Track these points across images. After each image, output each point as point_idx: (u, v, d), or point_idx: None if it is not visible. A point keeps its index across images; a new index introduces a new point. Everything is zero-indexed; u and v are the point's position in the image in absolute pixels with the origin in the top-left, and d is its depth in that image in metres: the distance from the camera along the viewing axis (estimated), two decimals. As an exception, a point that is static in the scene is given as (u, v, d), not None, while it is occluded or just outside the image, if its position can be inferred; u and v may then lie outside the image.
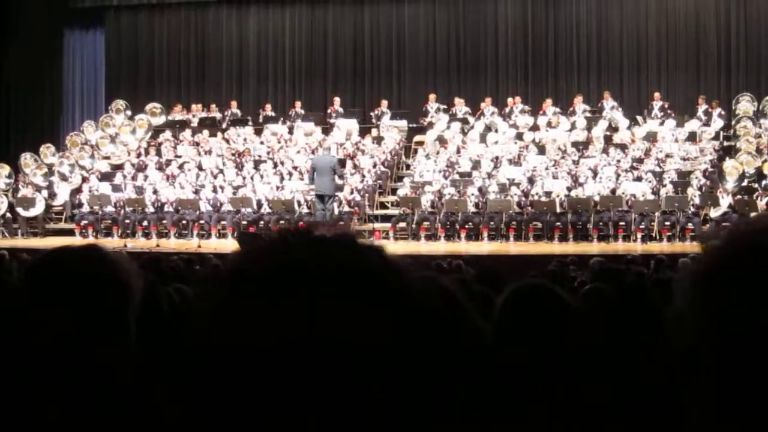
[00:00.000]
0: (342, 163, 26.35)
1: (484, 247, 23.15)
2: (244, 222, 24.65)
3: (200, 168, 27.34)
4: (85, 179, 27.82)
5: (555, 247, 22.48)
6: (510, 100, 29.76)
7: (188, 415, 1.22)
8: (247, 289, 1.21)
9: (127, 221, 25.58)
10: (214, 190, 25.94)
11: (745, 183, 24.37)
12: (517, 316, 3.58)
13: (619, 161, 25.44)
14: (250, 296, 1.20)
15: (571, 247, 22.24)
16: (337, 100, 30.89)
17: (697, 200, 23.46)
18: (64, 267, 2.43)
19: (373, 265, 1.27)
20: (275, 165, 26.99)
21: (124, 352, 2.37)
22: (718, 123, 27.60)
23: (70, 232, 25.83)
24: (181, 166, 27.47)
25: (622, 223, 23.41)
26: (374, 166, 26.91)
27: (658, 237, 23.16)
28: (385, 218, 25.66)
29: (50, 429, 2.20)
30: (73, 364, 2.27)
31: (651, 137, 26.61)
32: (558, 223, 23.53)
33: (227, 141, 29.05)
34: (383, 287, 1.25)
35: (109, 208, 25.87)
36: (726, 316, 1.18)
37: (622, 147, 26.27)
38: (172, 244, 24.07)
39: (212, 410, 1.19)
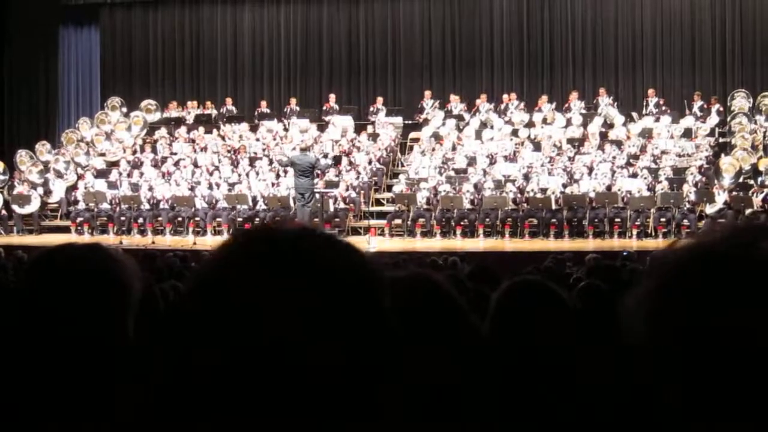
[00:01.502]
0: (337, 159, 26.35)
1: (480, 243, 23.15)
2: (240, 219, 24.64)
3: (196, 165, 27.33)
4: (80, 176, 27.82)
5: (550, 244, 22.48)
6: (505, 96, 29.80)
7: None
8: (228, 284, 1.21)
9: (123, 218, 25.57)
10: (210, 187, 25.94)
11: (740, 179, 24.39)
12: (513, 313, 3.58)
13: (614, 158, 25.44)
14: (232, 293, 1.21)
15: (566, 244, 22.27)
16: (332, 96, 30.88)
17: (692, 196, 23.47)
18: (66, 264, 2.43)
19: (346, 261, 1.28)
20: (271, 162, 26.97)
21: (122, 349, 2.38)
22: (714, 119, 27.62)
23: (65, 230, 25.82)
24: (176, 163, 27.45)
25: (617, 220, 23.43)
26: (369, 162, 26.92)
27: (653, 233, 23.18)
28: (381, 215, 25.69)
29: (49, 426, 2.21)
30: (72, 360, 2.27)
31: (646, 134, 26.61)
32: (553, 220, 23.53)
33: (223, 138, 29.04)
34: (355, 281, 1.27)
35: (105, 205, 25.86)
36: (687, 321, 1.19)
37: (618, 143, 26.27)
38: (167, 241, 24.08)
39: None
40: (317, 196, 23.58)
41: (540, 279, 4.12)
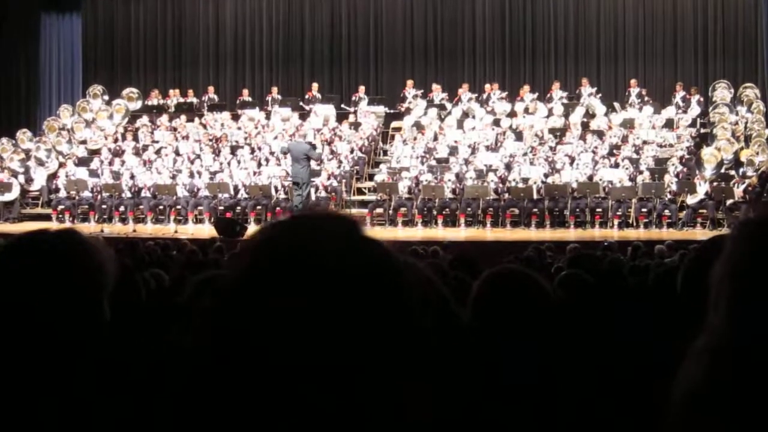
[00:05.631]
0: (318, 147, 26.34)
1: (461, 233, 23.16)
2: (221, 207, 24.62)
3: (177, 153, 27.26)
4: (62, 164, 27.71)
5: (532, 234, 22.51)
6: (487, 86, 29.82)
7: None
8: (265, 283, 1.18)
9: (104, 206, 25.48)
10: (191, 176, 25.88)
11: (722, 170, 24.47)
12: (493, 302, 3.58)
13: (596, 148, 25.50)
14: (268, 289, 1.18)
15: (547, 234, 22.31)
16: (314, 85, 30.84)
17: (674, 187, 23.54)
18: (38, 248, 2.42)
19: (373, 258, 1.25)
20: (252, 150, 26.95)
21: (97, 332, 2.37)
22: (695, 110, 27.69)
23: (46, 218, 25.71)
24: (158, 152, 27.37)
25: (599, 210, 23.47)
26: (351, 152, 26.90)
27: (634, 223, 23.24)
28: (363, 204, 25.67)
29: (23, 409, 2.20)
30: (45, 344, 2.26)
31: (628, 124, 26.67)
32: (535, 210, 23.57)
33: (204, 126, 28.97)
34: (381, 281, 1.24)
35: (86, 194, 25.77)
36: None
37: (599, 134, 26.34)
38: (149, 229, 24.03)
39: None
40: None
41: (520, 268, 4.13)
